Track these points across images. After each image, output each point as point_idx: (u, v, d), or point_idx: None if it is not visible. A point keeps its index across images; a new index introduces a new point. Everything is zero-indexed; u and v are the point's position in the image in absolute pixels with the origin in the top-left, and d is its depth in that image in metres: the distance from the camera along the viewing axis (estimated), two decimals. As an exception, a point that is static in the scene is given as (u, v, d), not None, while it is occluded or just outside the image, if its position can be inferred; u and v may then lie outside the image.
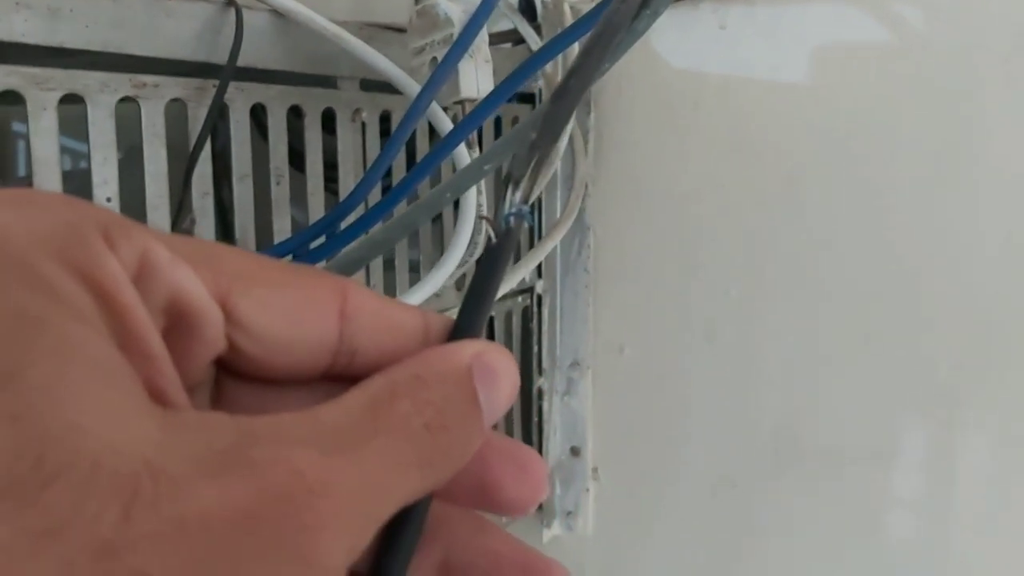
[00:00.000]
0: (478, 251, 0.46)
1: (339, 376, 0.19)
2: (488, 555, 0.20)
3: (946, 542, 0.58)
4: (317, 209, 0.46)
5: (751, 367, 0.63)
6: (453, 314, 0.22)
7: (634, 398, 0.67)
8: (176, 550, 0.13)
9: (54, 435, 0.13)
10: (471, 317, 0.23)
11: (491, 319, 0.62)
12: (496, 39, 0.63)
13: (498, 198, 0.24)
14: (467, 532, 0.20)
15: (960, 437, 0.58)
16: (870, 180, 0.58)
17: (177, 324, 0.17)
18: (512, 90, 0.40)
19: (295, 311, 0.18)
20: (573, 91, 0.25)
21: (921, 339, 0.58)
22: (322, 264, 0.42)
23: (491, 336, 0.63)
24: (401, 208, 0.43)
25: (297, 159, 0.47)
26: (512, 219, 0.24)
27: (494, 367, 0.19)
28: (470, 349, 0.19)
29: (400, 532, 0.19)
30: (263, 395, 0.19)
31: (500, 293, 0.46)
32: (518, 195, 0.24)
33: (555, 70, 0.56)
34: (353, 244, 0.25)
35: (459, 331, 0.23)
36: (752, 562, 0.64)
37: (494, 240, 0.24)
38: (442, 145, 0.41)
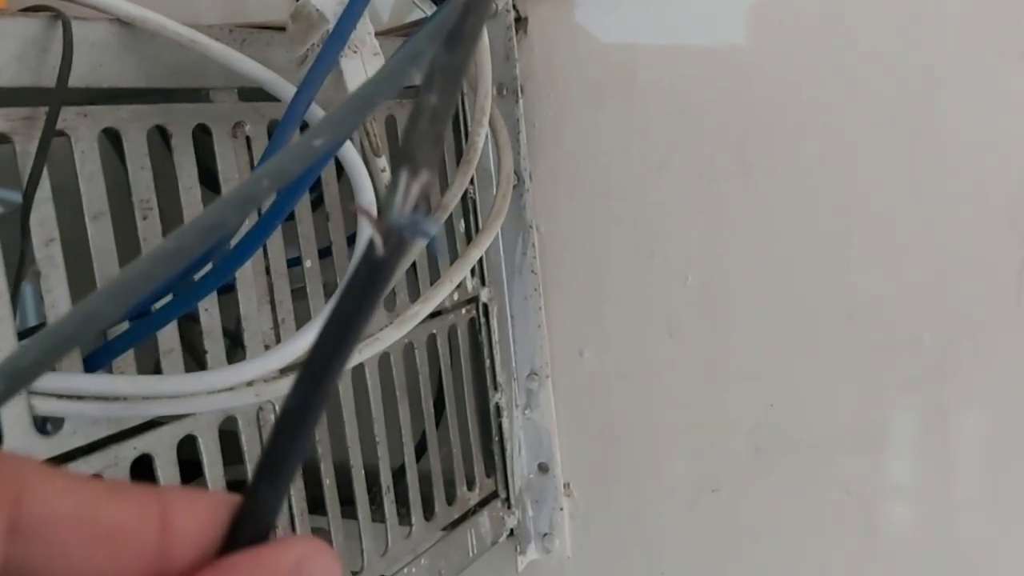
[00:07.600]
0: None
1: None
2: None
3: (948, 527, 0.53)
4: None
5: (719, 360, 0.57)
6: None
7: (600, 405, 0.61)
8: None
9: None
10: (272, 485, 0.17)
11: (432, 336, 0.57)
12: (408, 29, 0.58)
13: (390, 188, 0.16)
14: None
15: (954, 411, 0.52)
16: (829, 142, 0.53)
17: None
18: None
19: None
20: (470, 34, 0.18)
21: (900, 310, 0.53)
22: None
23: (434, 355, 0.57)
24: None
25: (207, 177, 0.42)
26: (405, 232, 0.16)
27: None
28: (288, 556, 0.15)
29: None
30: None
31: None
32: (414, 188, 0.16)
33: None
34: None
35: (256, 510, 0.16)
36: (743, 569, 0.59)
37: (380, 252, 0.16)
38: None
